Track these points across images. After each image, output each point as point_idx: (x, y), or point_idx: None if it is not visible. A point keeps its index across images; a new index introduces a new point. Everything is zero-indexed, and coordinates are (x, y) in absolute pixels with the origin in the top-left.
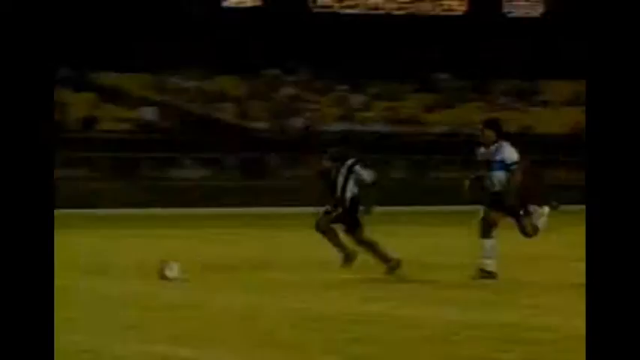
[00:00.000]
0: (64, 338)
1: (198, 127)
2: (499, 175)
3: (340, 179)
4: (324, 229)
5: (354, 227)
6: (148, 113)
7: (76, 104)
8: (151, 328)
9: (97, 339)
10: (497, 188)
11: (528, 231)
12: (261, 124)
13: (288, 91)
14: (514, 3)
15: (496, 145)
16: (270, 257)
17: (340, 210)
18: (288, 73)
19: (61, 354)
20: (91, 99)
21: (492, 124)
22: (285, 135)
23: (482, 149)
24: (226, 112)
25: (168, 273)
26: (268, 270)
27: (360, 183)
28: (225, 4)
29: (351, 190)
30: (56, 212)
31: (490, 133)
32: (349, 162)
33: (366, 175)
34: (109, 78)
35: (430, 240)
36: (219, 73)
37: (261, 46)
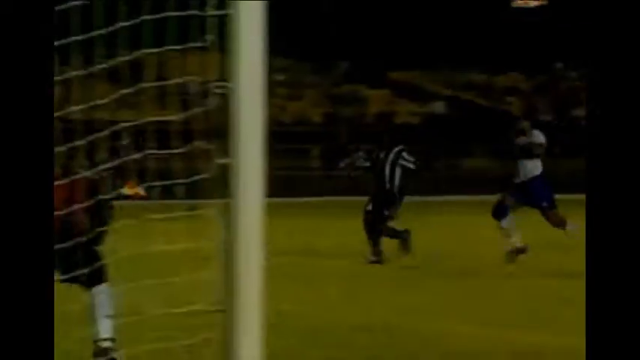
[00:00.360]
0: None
1: (487, 119)
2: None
3: (387, 168)
4: (372, 227)
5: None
6: (439, 107)
7: (373, 100)
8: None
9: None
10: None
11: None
12: (545, 116)
13: (570, 84)
14: None
15: (530, 132)
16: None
17: (383, 200)
18: (570, 68)
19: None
20: (387, 95)
21: (530, 113)
22: (568, 125)
23: (521, 138)
24: (513, 106)
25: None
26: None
27: (405, 170)
28: (514, 4)
29: (400, 178)
30: (358, 199)
31: (527, 124)
32: (396, 149)
33: (412, 163)
34: (403, 75)
35: None
36: (506, 70)
37: (546, 43)
